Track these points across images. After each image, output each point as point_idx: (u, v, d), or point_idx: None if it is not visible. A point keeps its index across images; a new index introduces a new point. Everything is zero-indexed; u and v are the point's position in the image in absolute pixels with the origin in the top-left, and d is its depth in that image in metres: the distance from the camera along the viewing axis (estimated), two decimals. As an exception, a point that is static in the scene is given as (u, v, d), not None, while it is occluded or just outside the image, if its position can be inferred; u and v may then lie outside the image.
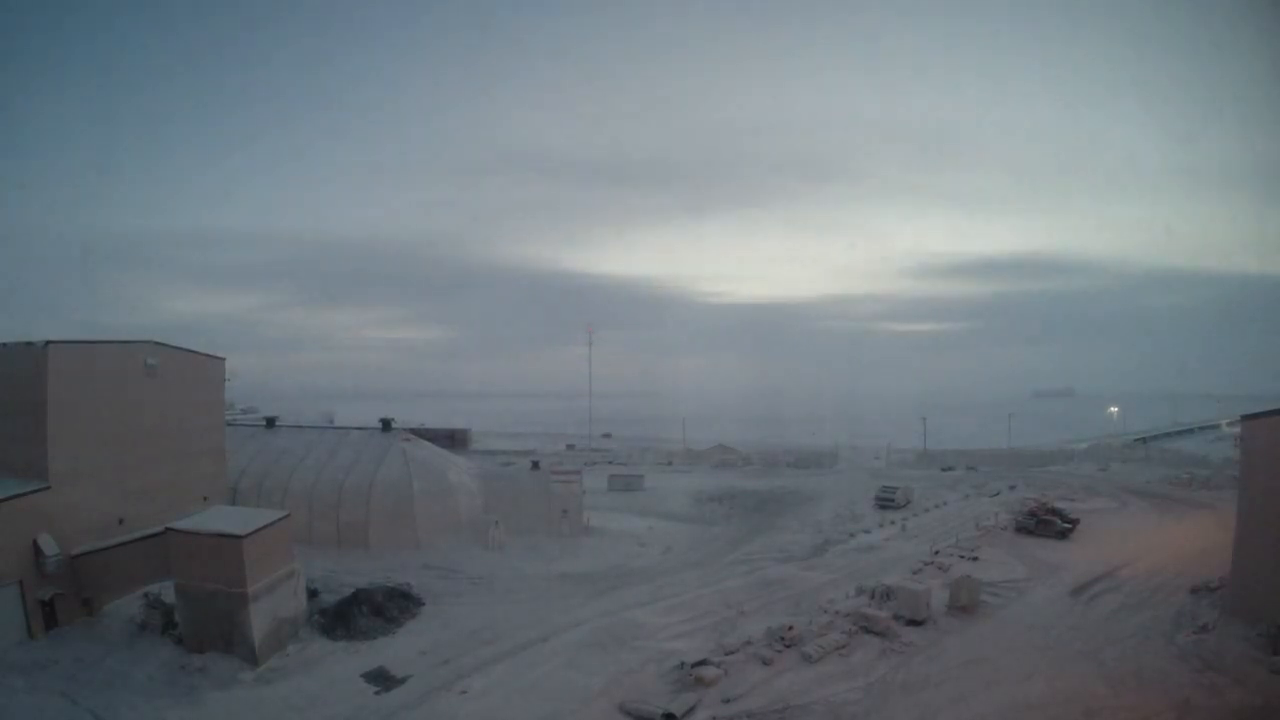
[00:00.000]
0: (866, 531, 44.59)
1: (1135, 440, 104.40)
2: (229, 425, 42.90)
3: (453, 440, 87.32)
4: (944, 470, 71.47)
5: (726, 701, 21.09)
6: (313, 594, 29.37)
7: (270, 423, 53.49)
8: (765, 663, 23.48)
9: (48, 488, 26.67)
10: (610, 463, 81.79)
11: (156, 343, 33.36)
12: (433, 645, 26.79)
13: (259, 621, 24.71)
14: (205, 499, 34.74)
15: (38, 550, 25.81)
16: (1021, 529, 40.29)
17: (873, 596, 28.96)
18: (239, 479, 42.66)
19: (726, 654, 24.07)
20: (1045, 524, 39.89)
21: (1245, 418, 28.46)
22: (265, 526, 25.99)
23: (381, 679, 23.90)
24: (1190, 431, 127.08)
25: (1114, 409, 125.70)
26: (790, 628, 25.40)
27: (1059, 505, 43.51)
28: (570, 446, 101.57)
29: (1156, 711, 19.66)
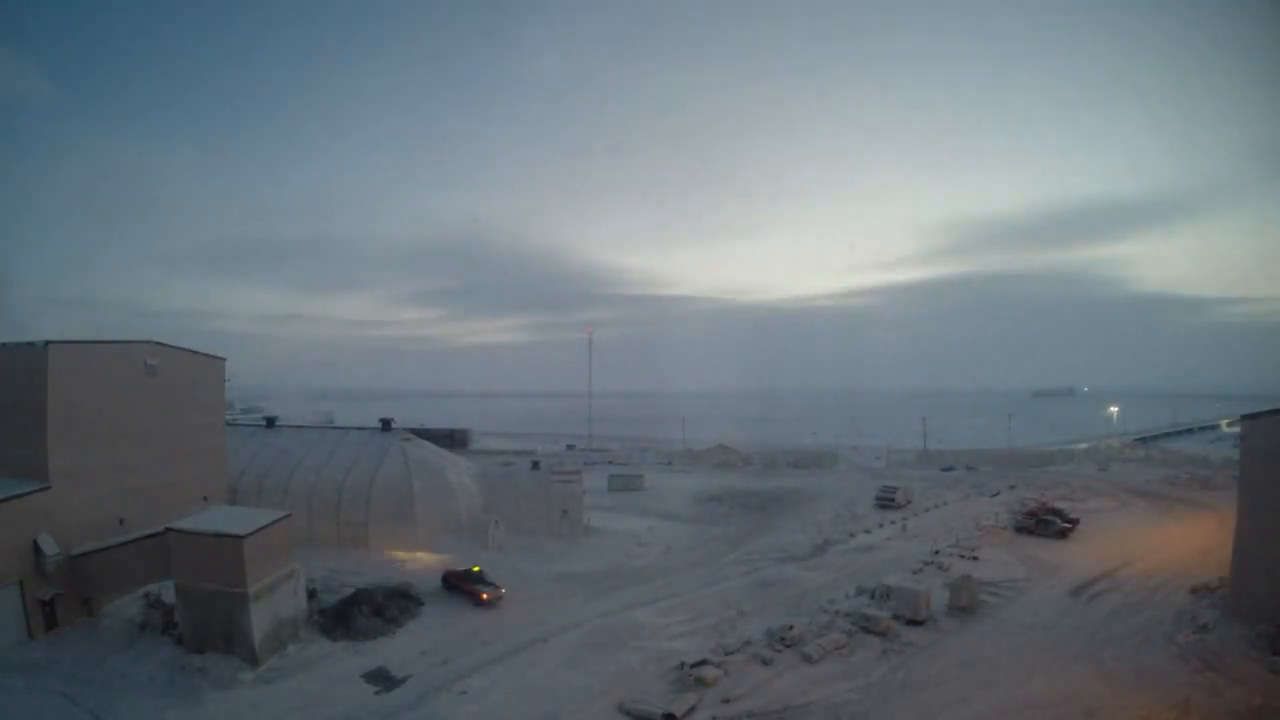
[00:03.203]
0: (866, 531, 44.55)
1: (1135, 440, 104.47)
2: (229, 425, 42.91)
3: (453, 440, 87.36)
4: (944, 470, 71.47)
5: (726, 701, 21.07)
6: (312, 594, 29.35)
7: (270, 423, 53.53)
8: (765, 663, 23.46)
9: (48, 488, 26.65)
10: (610, 463, 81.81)
11: (157, 343, 33.35)
12: (433, 645, 26.79)
13: (259, 621, 24.69)
14: (205, 499, 34.74)
15: (38, 550, 25.80)
16: (1021, 529, 40.29)
17: (873, 596, 28.94)
18: (239, 479, 42.66)
19: (726, 654, 24.05)
20: (1045, 524, 39.89)
21: (1245, 418, 28.45)
22: (265, 526, 25.97)
23: (381, 679, 23.89)
24: (1190, 431, 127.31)
25: (1114, 409, 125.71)
26: (790, 628, 25.38)
27: (1059, 505, 43.55)
28: (570, 446, 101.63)
29: (1156, 712, 19.65)
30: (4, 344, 28.12)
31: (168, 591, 26.93)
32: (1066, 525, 39.96)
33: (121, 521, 29.38)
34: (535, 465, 53.06)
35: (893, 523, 45.91)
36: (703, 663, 23.07)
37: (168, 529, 25.82)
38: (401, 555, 38.43)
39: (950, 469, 72.35)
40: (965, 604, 28.04)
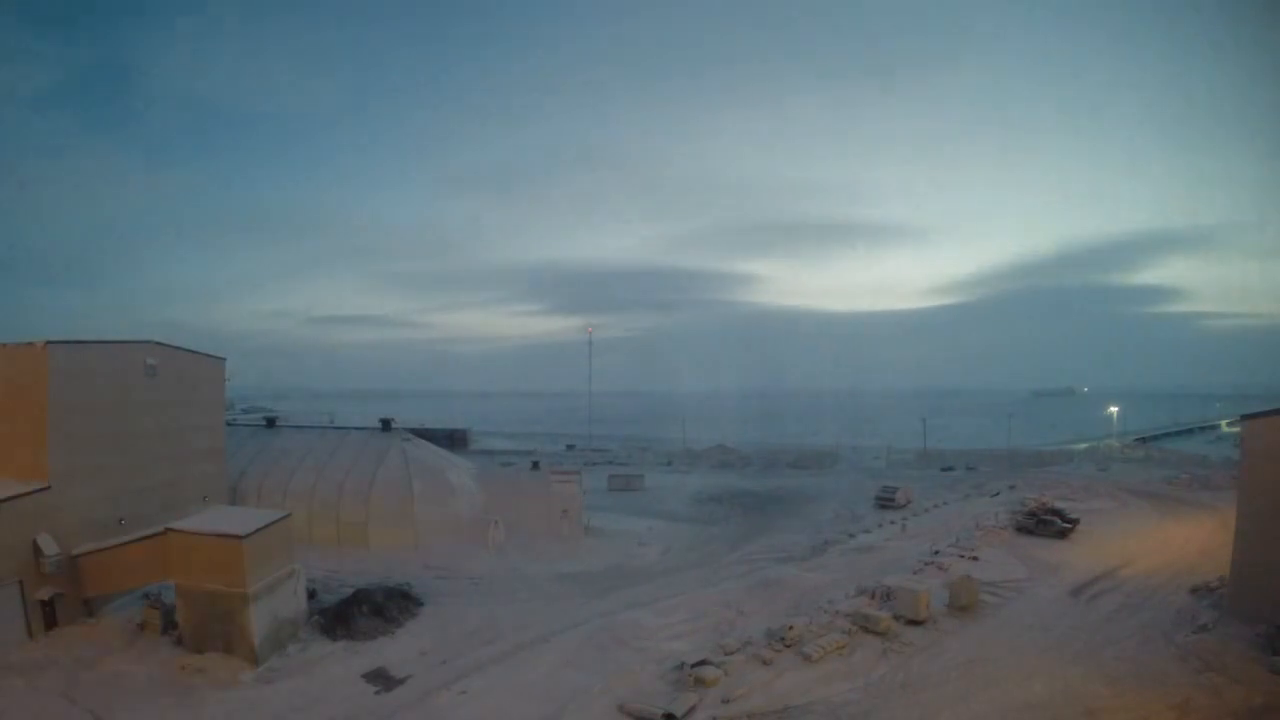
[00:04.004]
0: (866, 531, 44.54)
1: (1135, 440, 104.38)
2: (229, 425, 42.91)
3: (453, 440, 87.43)
4: (944, 470, 71.51)
5: (726, 702, 21.07)
6: (312, 594, 29.36)
7: (270, 423, 53.56)
8: (765, 663, 23.46)
9: (48, 488, 26.65)
10: (610, 463, 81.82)
11: (157, 343, 33.35)
12: (433, 645, 26.78)
13: (259, 622, 24.69)
14: (205, 499, 34.76)
15: (38, 550, 25.79)
16: (1021, 529, 40.27)
17: (873, 596, 28.94)
18: (239, 479, 42.68)
19: (726, 654, 24.05)
20: (1045, 524, 39.87)
21: (1245, 418, 28.42)
22: (265, 526, 25.97)
23: (381, 679, 23.89)
24: (1190, 431, 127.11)
25: (1114, 409, 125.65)
26: (790, 628, 25.38)
27: (1059, 505, 43.51)
28: (570, 446, 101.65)
29: (1156, 711, 19.65)
30: (4, 344, 28.12)
31: (168, 591, 26.93)
32: (1066, 525, 39.95)
33: (121, 521, 29.38)
34: (535, 465, 53.08)
35: (893, 523, 45.90)
36: (703, 663, 23.07)
37: (168, 529, 25.82)
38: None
39: (950, 469, 72.39)
40: (965, 604, 28.05)
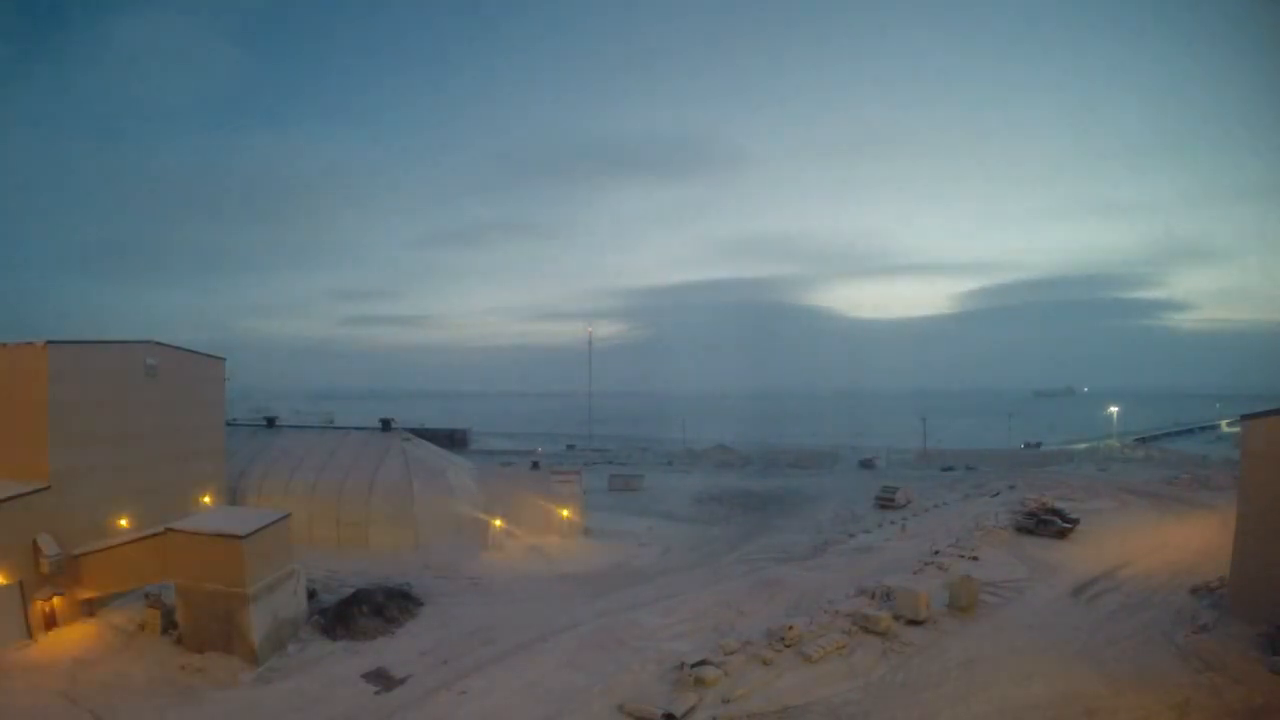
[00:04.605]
0: (866, 531, 44.55)
1: (1135, 440, 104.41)
2: (229, 425, 42.93)
3: (453, 440, 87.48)
4: (944, 470, 71.54)
5: (726, 702, 21.05)
6: (312, 594, 29.38)
7: (270, 423, 53.57)
8: (765, 663, 23.44)
9: (48, 488, 26.67)
10: (610, 463, 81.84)
11: (157, 343, 33.37)
12: (433, 645, 26.79)
13: (259, 622, 24.71)
14: (206, 499, 34.77)
15: (38, 550, 25.81)
16: (1021, 529, 40.23)
17: (873, 596, 28.93)
18: (239, 479, 42.66)
19: (726, 654, 24.02)
20: (1045, 524, 39.83)
21: (1245, 418, 28.38)
22: (265, 526, 25.99)
23: (381, 679, 23.90)
24: (1190, 431, 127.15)
25: (1114, 409, 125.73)
26: (790, 628, 25.36)
27: (1059, 505, 43.48)
28: (570, 446, 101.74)
29: (1156, 712, 19.63)
30: (4, 344, 28.13)
31: (168, 592, 26.94)
32: (1066, 525, 39.90)
33: (122, 521, 29.40)
34: (535, 465, 53.13)
35: (893, 523, 45.91)
36: (703, 663, 23.05)
37: (168, 529, 25.84)
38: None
39: (950, 469, 72.40)
40: (965, 604, 28.03)
